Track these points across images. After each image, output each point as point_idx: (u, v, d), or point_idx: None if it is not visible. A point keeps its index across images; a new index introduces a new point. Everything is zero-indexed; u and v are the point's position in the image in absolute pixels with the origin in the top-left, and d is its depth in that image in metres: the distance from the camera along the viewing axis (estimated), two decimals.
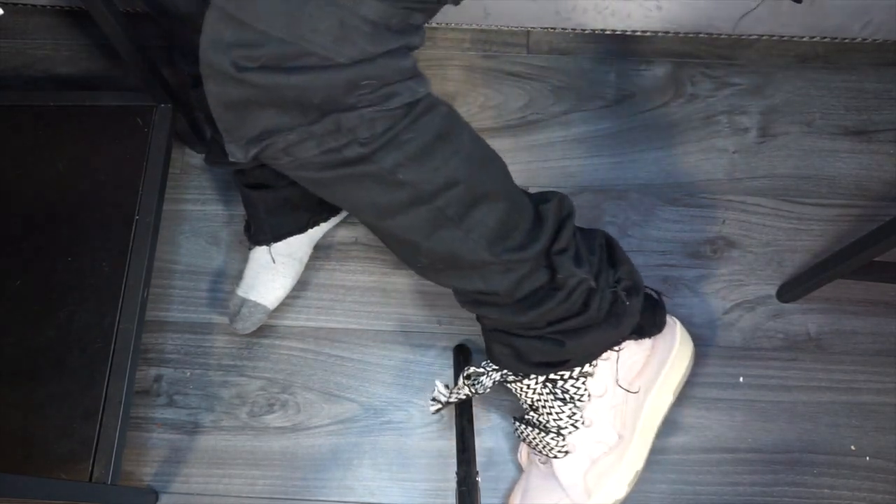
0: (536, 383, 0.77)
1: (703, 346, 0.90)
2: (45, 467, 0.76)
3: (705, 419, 0.87)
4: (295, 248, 0.90)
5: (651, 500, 0.84)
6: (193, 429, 0.89)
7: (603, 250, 0.76)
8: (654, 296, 0.82)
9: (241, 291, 0.89)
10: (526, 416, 0.81)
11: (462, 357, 0.88)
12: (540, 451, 0.80)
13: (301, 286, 0.95)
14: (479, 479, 0.75)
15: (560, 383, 0.77)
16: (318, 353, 0.92)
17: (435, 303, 0.93)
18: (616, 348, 0.77)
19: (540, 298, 0.70)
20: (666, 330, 0.82)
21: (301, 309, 0.94)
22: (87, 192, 0.89)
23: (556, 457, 0.79)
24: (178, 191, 1.00)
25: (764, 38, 0.95)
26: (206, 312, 0.94)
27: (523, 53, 1.07)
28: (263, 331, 0.93)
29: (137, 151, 0.90)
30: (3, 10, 1.06)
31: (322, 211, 0.90)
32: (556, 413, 0.77)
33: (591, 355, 0.76)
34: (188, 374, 0.92)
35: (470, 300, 0.73)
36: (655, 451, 0.86)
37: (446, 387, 0.81)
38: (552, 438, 0.78)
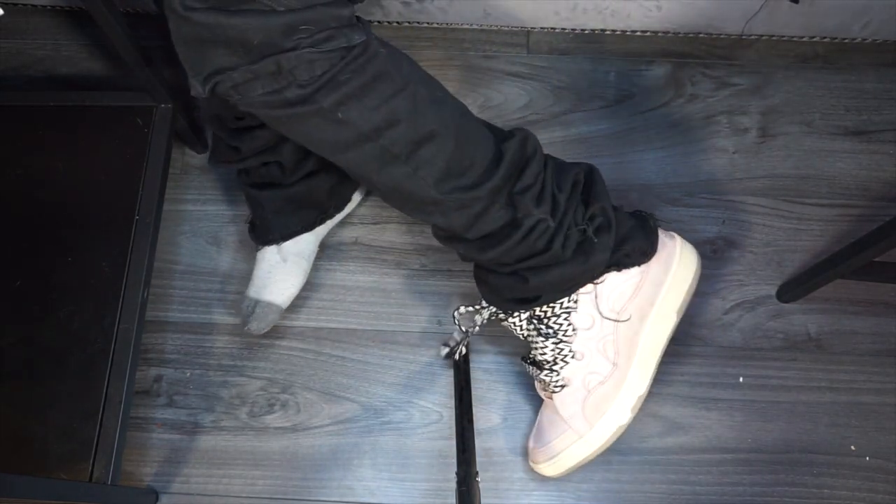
0: (521, 320, 0.80)
1: (702, 346, 0.90)
2: (45, 467, 0.76)
3: (705, 419, 0.87)
4: (303, 246, 0.90)
5: (651, 500, 0.84)
6: (193, 429, 0.89)
7: (577, 186, 0.76)
8: (650, 222, 0.81)
9: (253, 293, 0.89)
10: (529, 355, 0.83)
11: (462, 357, 0.88)
12: (544, 389, 0.82)
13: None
14: (479, 479, 0.75)
15: (544, 319, 0.78)
16: (319, 353, 0.92)
17: (435, 303, 0.94)
18: (595, 281, 0.78)
19: (500, 237, 0.72)
20: (662, 250, 0.81)
21: (301, 309, 0.94)
22: (87, 192, 0.89)
23: (554, 391, 0.80)
24: (178, 191, 1.00)
25: (764, 38, 0.95)
26: (206, 312, 0.94)
27: (523, 53, 1.07)
28: None
29: (137, 151, 0.90)
30: (3, 10, 1.06)
31: (328, 207, 0.90)
32: (543, 348, 0.79)
33: (563, 291, 0.77)
34: (188, 374, 0.92)
35: (438, 235, 0.76)
36: (655, 452, 0.86)
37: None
38: (546, 375, 0.80)
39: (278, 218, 0.87)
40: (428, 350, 0.91)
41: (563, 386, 0.80)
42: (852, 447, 0.86)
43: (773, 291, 0.93)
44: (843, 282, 0.87)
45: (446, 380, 0.90)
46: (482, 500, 0.74)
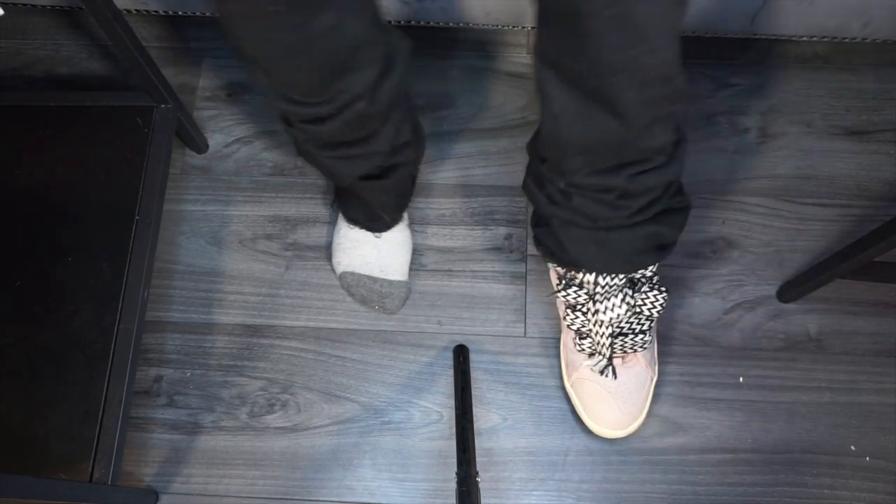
0: (645, 279, 0.81)
1: (702, 346, 0.90)
2: (45, 467, 0.76)
3: (705, 419, 0.87)
4: (406, 213, 0.93)
5: (651, 500, 0.84)
6: (193, 429, 0.89)
7: None
8: None
9: (379, 274, 0.91)
10: (618, 330, 0.82)
11: (462, 357, 0.88)
12: (628, 350, 0.82)
13: (301, 286, 0.95)
14: (479, 479, 0.75)
15: (655, 277, 0.81)
16: (319, 354, 0.92)
17: (435, 303, 0.94)
18: None
19: (670, 155, 0.68)
20: None
21: (301, 309, 0.94)
22: (87, 192, 0.89)
23: (645, 347, 0.83)
24: (178, 191, 1.00)
25: (764, 38, 0.95)
26: (206, 312, 0.94)
27: (523, 53, 1.07)
28: (263, 331, 0.93)
29: (137, 151, 0.90)
30: (3, 10, 1.06)
31: (416, 170, 0.91)
32: (653, 304, 0.80)
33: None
34: (188, 374, 0.92)
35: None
36: (655, 451, 0.86)
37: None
38: (643, 335, 0.82)
39: (395, 199, 0.88)
40: (428, 350, 0.92)
41: (652, 337, 0.82)
42: (852, 447, 0.86)
43: (773, 291, 0.93)
44: (843, 282, 0.87)
45: (446, 380, 0.90)
46: (482, 500, 0.73)
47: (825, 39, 0.93)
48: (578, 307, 0.82)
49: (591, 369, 0.84)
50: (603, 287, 0.80)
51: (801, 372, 0.89)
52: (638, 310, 0.81)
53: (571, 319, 0.83)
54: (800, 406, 0.88)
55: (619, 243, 0.75)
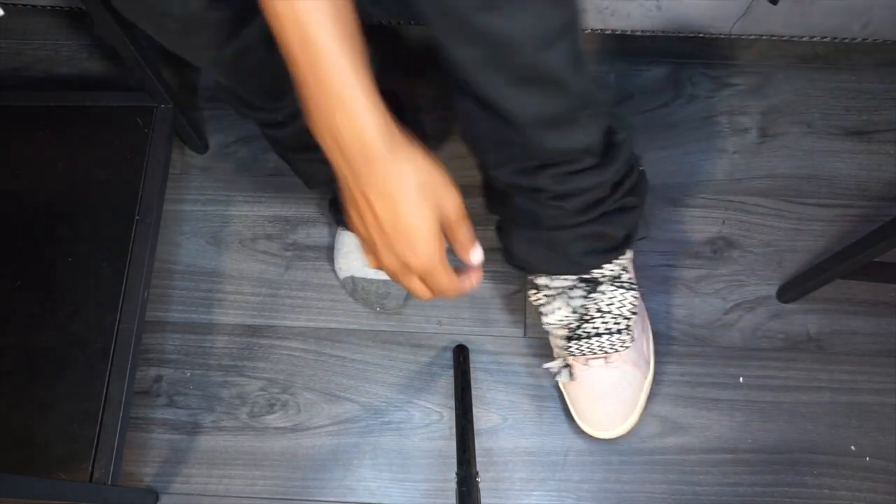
0: (605, 278, 0.80)
1: (702, 346, 0.90)
2: (45, 467, 0.76)
3: (705, 419, 0.87)
4: None
5: (651, 500, 0.84)
6: (193, 429, 0.89)
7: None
8: None
9: (375, 275, 0.90)
10: (583, 331, 0.80)
11: (462, 357, 0.88)
12: (608, 350, 0.81)
13: (301, 286, 0.95)
14: (479, 479, 0.75)
15: (626, 268, 0.80)
16: (319, 354, 0.92)
17: (435, 303, 0.93)
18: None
19: (611, 150, 0.68)
20: None
21: (301, 309, 0.94)
22: (87, 192, 0.89)
23: (626, 347, 0.82)
24: (178, 191, 1.00)
25: (764, 38, 0.95)
26: (206, 312, 0.94)
27: None
28: (263, 331, 0.93)
29: (137, 151, 0.90)
30: (3, 10, 1.06)
31: None
32: (621, 303, 0.80)
33: (637, 228, 0.79)
34: (188, 374, 0.92)
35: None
36: (655, 452, 0.86)
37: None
38: (619, 335, 0.81)
39: None
40: (428, 350, 0.91)
41: (632, 337, 0.82)
42: (852, 447, 0.86)
43: (773, 291, 0.93)
44: (843, 282, 0.87)
45: (446, 380, 0.90)
46: (482, 501, 0.73)
47: (825, 39, 0.93)
48: (540, 309, 0.82)
49: (551, 371, 0.85)
50: (552, 289, 0.79)
51: (801, 372, 0.89)
52: (606, 309, 0.80)
53: (541, 321, 0.83)
54: (800, 406, 0.88)
55: (562, 244, 0.73)
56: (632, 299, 0.80)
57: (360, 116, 0.45)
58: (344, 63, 0.44)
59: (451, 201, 0.53)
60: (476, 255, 0.57)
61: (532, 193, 0.68)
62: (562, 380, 0.84)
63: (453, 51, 0.52)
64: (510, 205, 0.72)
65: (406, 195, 0.49)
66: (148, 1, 0.55)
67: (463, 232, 0.55)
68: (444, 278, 0.54)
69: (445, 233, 0.54)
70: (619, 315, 0.80)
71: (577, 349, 0.81)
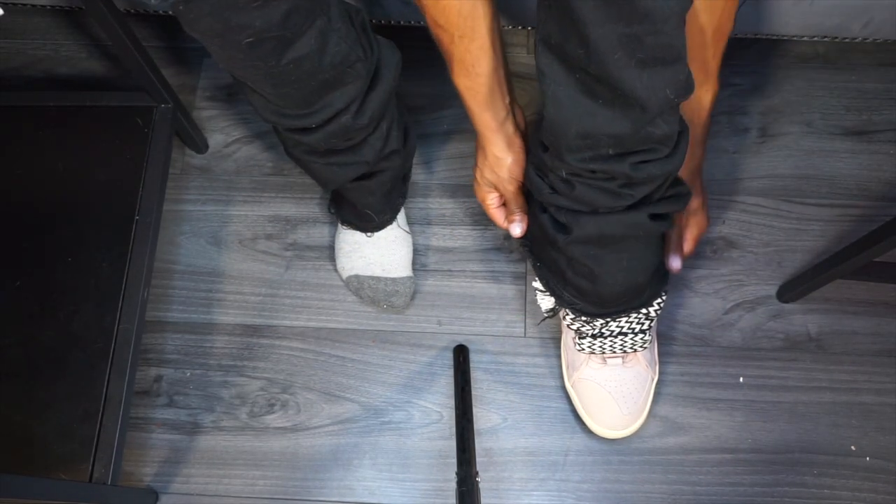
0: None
1: (703, 346, 0.90)
2: (45, 467, 0.76)
3: (705, 419, 0.87)
4: (401, 214, 0.94)
5: (651, 500, 0.84)
6: (193, 429, 0.89)
7: None
8: None
9: (382, 273, 0.91)
10: (607, 329, 0.81)
11: (462, 357, 0.88)
12: (628, 350, 0.83)
13: (301, 286, 0.95)
14: (479, 479, 0.75)
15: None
16: (319, 353, 0.92)
17: (435, 303, 0.94)
18: None
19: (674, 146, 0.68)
20: None
21: (301, 309, 0.94)
22: (87, 192, 0.89)
23: (645, 347, 0.83)
24: (178, 191, 1.00)
25: (764, 38, 0.95)
26: (206, 312, 0.94)
27: (523, 53, 1.07)
28: (263, 331, 0.93)
29: (137, 151, 0.90)
30: (3, 10, 1.06)
31: (408, 169, 0.91)
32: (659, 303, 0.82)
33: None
34: (188, 374, 0.92)
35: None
36: (655, 451, 0.86)
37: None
38: (643, 335, 0.82)
39: (388, 199, 0.88)
40: (428, 350, 0.91)
41: (651, 336, 0.84)
42: (852, 447, 0.86)
43: (773, 291, 0.93)
44: (843, 282, 0.87)
45: (446, 380, 0.90)
46: (482, 500, 0.73)
47: (825, 39, 0.93)
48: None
49: (541, 305, 0.86)
50: None
51: (801, 372, 0.89)
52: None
53: (571, 320, 0.83)
54: (800, 406, 0.88)
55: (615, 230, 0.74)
56: (659, 298, 0.80)
57: (473, 114, 0.76)
58: (464, 89, 0.73)
59: (503, 185, 0.81)
60: (512, 227, 0.82)
61: (603, 181, 0.67)
62: (544, 310, 0.85)
63: (595, 27, 0.53)
64: (570, 194, 0.70)
65: (483, 160, 0.80)
66: (228, 16, 0.56)
67: (510, 207, 0.83)
68: (490, 212, 0.85)
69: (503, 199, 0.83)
70: (645, 315, 0.80)
71: (598, 347, 0.82)
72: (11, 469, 0.76)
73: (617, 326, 0.81)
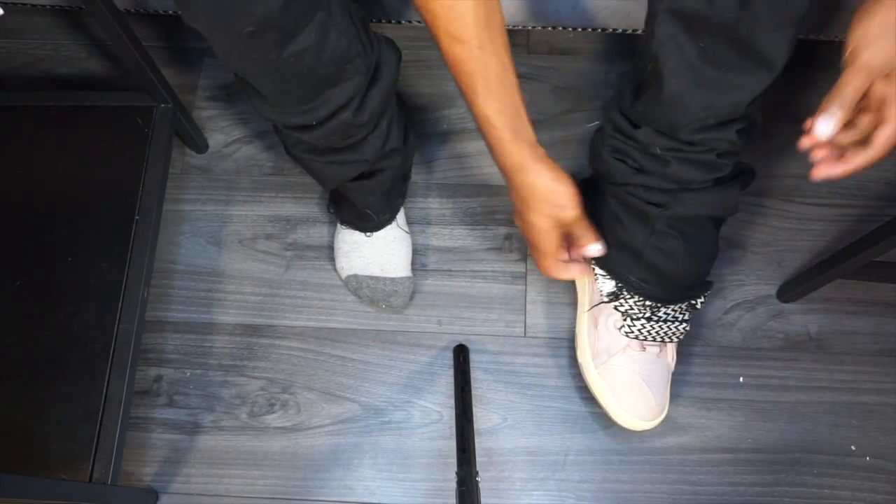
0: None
1: (703, 346, 0.90)
2: (45, 467, 0.76)
3: (705, 419, 0.87)
4: (400, 213, 0.94)
5: (651, 499, 0.84)
6: (193, 429, 0.89)
7: None
8: None
9: (381, 273, 0.91)
10: (654, 315, 0.81)
11: (462, 357, 0.88)
12: (667, 339, 0.83)
13: (301, 286, 0.95)
14: (479, 479, 0.75)
15: None
16: (319, 353, 0.92)
17: (435, 303, 0.94)
18: None
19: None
20: None
21: (301, 309, 0.94)
22: (87, 192, 0.89)
23: (680, 338, 0.83)
24: (178, 191, 1.00)
25: None
26: (206, 312, 0.94)
27: (523, 53, 1.07)
28: (263, 331, 0.93)
29: (137, 151, 0.90)
30: (3, 10, 1.06)
31: (407, 168, 0.91)
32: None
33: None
34: (188, 374, 0.92)
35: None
36: (655, 451, 0.86)
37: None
38: (685, 323, 0.82)
39: (388, 198, 0.88)
40: (428, 350, 0.92)
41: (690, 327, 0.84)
42: (852, 447, 0.86)
43: (774, 291, 0.93)
44: (843, 282, 0.87)
45: (446, 380, 0.90)
46: (482, 500, 0.73)
47: (825, 39, 0.93)
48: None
49: (602, 292, 0.83)
50: None
51: (801, 372, 0.89)
52: None
53: (622, 301, 0.82)
54: (800, 406, 0.88)
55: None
56: (709, 290, 0.82)
57: (504, 149, 0.66)
58: (493, 116, 0.64)
59: (566, 211, 0.69)
60: (590, 250, 0.73)
61: (703, 153, 0.69)
62: (605, 293, 0.83)
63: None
64: (660, 172, 0.72)
65: (529, 201, 0.69)
66: (228, 3, 0.55)
67: (578, 232, 0.72)
68: (544, 262, 0.74)
69: (566, 231, 0.72)
70: (692, 304, 0.81)
71: (646, 332, 0.81)
72: (11, 469, 0.76)
73: (666, 313, 0.80)
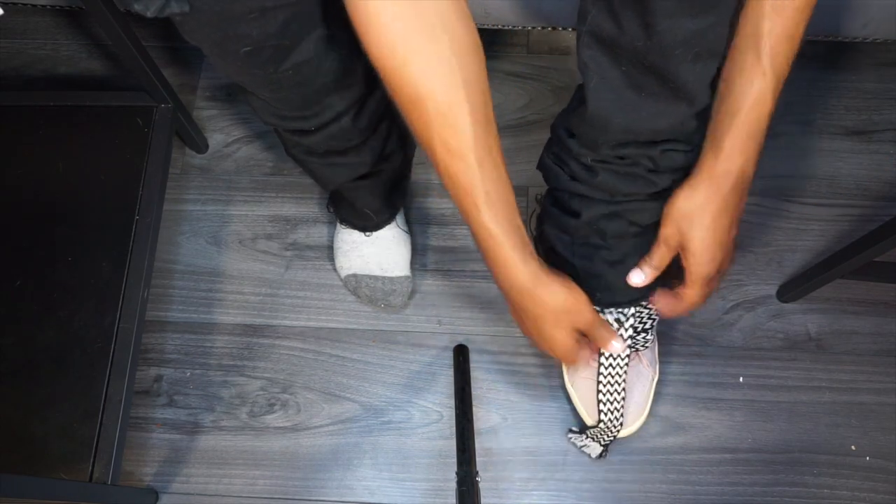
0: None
1: (703, 346, 0.90)
2: (45, 467, 0.76)
3: (705, 419, 0.87)
4: (400, 213, 0.94)
5: (651, 499, 0.84)
6: (193, 429, 0.89)
7: None
8: None
9: (380, 272, 0.91)
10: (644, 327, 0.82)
11: (462, 357, 0.88)
12: (640, 348, 0.84)
13: (301, 286, 0.95)
14: (479, 479, 0.75)
15: None
16: (319, 353, 0.92)
17: (435, 303, 0.94)
18: None
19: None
20: None
21: (301, 309, 0.94)
22: (87, 192, 0.89)
23: (647, 346, 0.84)
24: (178, 191, 1.00)
25: None
26: (206, 312, 0.94)
27: (523, 53, 1.07)
28: (263, 331, 0.93)
29: (137, 151, 0.90)
30: (3, 10, 1.06)
31: (407, 170, 0.91)
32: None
33: None
34: (188, 374, 0.92)
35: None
36: (655, 451, 0.86)
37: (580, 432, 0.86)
38: (644, 333, 0.82)
39: (387, 197, 0.88)
40: (428, 350, 0.91)
41: (653, 335, 0.84)
42: (852, 447, 0.86)
43: (773, 291, 0.93)
44: (843, 282, 0.87)
45: (446, 380, 0.90)
46: (482, 500, 0.73)
47: (825, 39, 0.93)
48: None
49: (575, 443, 0.86)
50: None
51: (801, 372, 0.89)
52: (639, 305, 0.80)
53: None
54: (800, 406, 0.88)
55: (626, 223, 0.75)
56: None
57: (512, 267, 0.61)
58: (499, 234, 0.59)
59: (583, 317, 0.67)
60: (613, 347, 0.71)
61: (629, 167, 0.69)
62: (592, 454, 0.85)
63: (663, 19, 0.55)
64: (591, 181, 0.71)
65: (545, 317, 0.65)
66: (226, 26, 0.56)
67: (597, 335, 0.70)
68: (568, 363, 0.73)
69: (582, 332, 0.69)
70: (649, 312, 0.80)
71: None
72: (11, 469, 0.76)
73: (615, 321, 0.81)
